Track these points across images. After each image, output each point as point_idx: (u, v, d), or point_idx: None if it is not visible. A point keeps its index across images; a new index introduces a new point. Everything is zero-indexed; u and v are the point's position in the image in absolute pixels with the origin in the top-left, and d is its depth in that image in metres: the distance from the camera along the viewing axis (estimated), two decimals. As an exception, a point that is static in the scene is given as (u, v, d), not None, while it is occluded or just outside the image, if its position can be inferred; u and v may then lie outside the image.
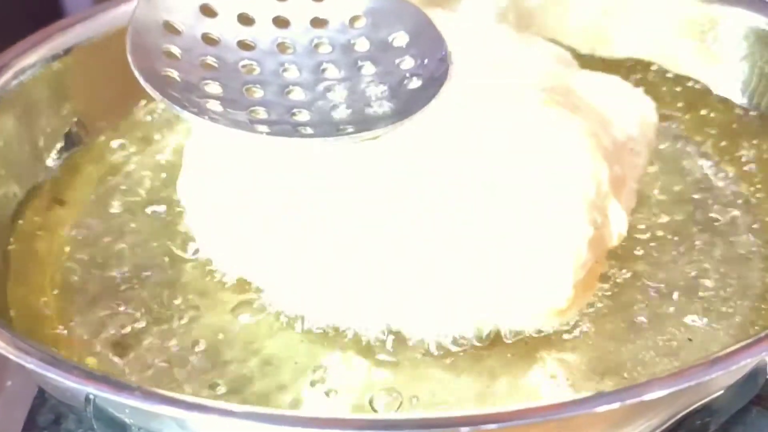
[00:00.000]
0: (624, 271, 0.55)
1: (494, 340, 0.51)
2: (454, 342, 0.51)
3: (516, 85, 0.54)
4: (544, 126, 0.52)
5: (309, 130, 0.51)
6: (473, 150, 0.51)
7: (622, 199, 0.54)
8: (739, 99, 0.66)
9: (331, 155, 0.51)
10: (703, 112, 0.66)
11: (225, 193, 0.54)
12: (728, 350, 0.43)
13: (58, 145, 0.64)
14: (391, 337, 0.51)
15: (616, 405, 0.40)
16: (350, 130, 0.50)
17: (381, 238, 0.49)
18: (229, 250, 0.55)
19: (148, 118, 0.68)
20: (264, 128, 0.50)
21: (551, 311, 0.50)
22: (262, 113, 0.51)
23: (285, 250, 0.51)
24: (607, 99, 0.57)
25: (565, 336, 0.52)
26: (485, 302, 0.50)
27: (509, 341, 0.51)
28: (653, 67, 0.69)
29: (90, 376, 0.42)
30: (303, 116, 0.51)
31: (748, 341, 0.44)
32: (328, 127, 0.51)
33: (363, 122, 0.51)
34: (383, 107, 0.52)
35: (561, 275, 0.49)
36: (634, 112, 0.58)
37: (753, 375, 0.45)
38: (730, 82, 0.67)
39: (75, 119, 0.65)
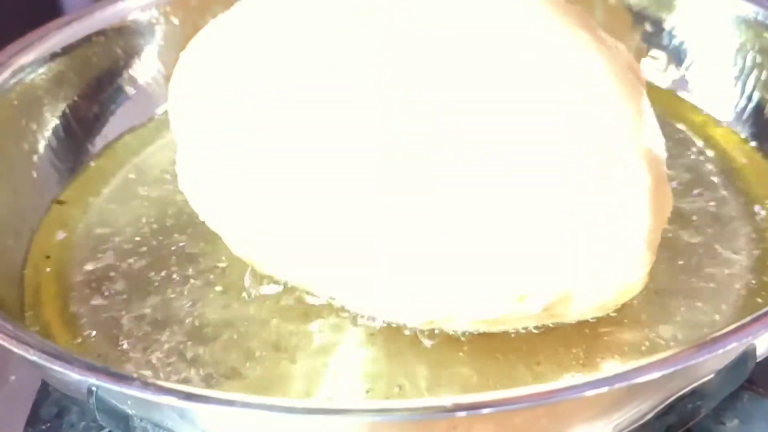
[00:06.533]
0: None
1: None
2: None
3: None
4: (570, 64, 0.47)
5: None
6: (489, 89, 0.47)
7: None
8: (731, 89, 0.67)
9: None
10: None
11: (215, 160, 0.52)
12: (716, 334, 0.43)
13: (56, 143, 0.65)
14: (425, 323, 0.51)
15: (603, 389, 0.40)
16: None
17: (404, 222, 0.47)
18: (230, 225, 0.54)
19: (148, 114, 0.68)
20: None
21: (626, 292, 0.49)
22: None
23: (286, 219, 0.50)
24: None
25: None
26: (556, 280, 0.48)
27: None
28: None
29: (91, 367, 0.43)
30: None
31: (737, 325, 0.44)
32: None
33: None
34: None
35: (639, 256, 0.47)
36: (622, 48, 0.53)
37: (743, 359, 0.46)
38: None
39: (73, 117, 0.66)
